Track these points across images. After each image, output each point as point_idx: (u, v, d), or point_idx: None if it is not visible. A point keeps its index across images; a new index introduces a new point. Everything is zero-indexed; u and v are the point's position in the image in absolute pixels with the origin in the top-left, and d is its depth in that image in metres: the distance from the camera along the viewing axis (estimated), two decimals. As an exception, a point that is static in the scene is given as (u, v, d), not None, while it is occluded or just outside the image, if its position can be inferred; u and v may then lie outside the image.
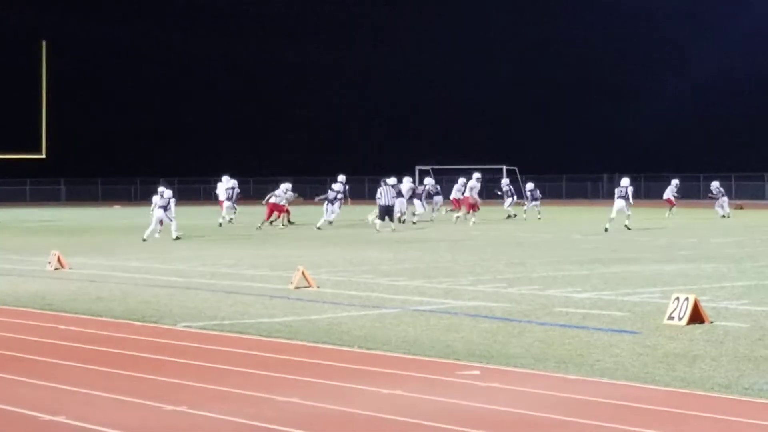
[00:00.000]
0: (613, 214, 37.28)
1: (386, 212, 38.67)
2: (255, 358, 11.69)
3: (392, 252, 27.91)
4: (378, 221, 38.51)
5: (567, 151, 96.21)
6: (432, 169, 70.61)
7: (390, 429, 8.51)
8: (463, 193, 46.14)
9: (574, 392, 9.72)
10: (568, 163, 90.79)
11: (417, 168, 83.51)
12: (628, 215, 37.55)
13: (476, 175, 45.84)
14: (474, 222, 42.74)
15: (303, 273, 18.92)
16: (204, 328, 14.09)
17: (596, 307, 15.67)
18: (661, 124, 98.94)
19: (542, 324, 14.05)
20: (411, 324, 14.25)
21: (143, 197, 74.64)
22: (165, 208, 34.17)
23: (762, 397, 9.44)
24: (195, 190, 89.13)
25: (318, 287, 18.61)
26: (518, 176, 65.00)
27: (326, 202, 42.02)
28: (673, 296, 14.21)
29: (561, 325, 13.91)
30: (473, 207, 44.32)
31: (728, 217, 47.98)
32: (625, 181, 38.75)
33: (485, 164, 69.90)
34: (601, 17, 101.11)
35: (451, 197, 47.59)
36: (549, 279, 20.00)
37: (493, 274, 21.12)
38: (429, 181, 49.58)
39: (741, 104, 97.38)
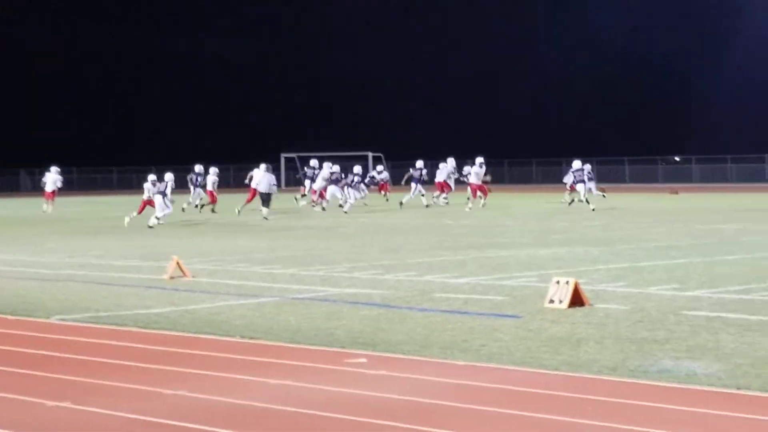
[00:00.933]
0: (582, 196, 39.49)
1: (266, 199, 38.95)
2: (136, 351, 11.41)
3: (265, 240, 27.68)
4: (264, 209, 38.50)
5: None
6: (298, 156, 70.53)
7: (283, 420, 8.35)
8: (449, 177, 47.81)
9: (463, 378, 9.66)
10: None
11: (282, 156, 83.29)
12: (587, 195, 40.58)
13: (479, 159, 46.10)
14: (483, 205, 44.19)
15: (177, 263, 18.60)
16: (79, 321, 13.74)
17: (475, 292, 15.66)
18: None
19: (423, 310, 13.99)
20: (291, 313, 14.07)
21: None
22: (163, 194, 34.97)
23: (648, 379, 9.49)
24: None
25: (193, 277, 18.33)
26: (383, 162, 65.12)
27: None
28: (554, 279, 14.28)
29: (442, 311, 13.86)
30: (482, 190, 45.50)
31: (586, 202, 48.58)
32: (578, 164, 42.29)
33: (354, 151, 69.94)
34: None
35: (436, 181, 48.64)
36: (425, 265, 19.98)
37: (369, 261, 21.03)
38: (379, 168, 51.08)
39: (594, 90, 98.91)
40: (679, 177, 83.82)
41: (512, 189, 73.07)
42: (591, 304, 13.83)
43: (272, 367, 10.36)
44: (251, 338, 12.05)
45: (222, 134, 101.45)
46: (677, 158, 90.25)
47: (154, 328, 12.94)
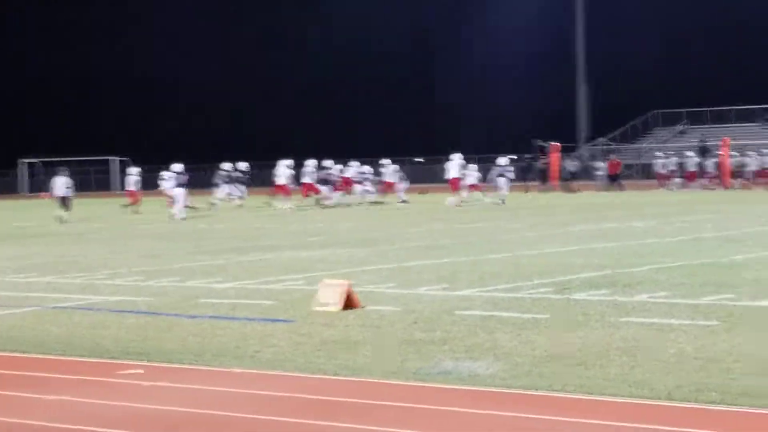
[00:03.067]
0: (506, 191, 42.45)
1: (61, 202, 39.77)
2: None
3: (14, 247, 26.61)
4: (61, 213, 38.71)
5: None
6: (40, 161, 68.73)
7: (60, 439, 7.86)
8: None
9: (242, 386, 9.35)
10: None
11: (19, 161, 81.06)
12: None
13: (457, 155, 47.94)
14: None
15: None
16: None
17: (242, 297, 15.32)
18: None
19: (191, 317, 13.57)
20: (54, 323, 13.44)
21: None
22: (184, 185, 39.22)
23: (430, 382, 9.37)
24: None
25: (-58, 288, 17.40)
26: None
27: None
28: (324, 282, 14.08)
29: (210, 317, 13.48)
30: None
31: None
32: (505, 160, 46.87)
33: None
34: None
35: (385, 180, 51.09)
36: (187, 270, 19.51)
37: (129, 267, 20.41)
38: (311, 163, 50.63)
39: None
40: (426, 177, 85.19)
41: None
42: (363, 307, 13.67)
43: (44, 381, 9.80)
44: (14, 351, 11.41)
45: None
46: (420, 159, 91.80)
47: None
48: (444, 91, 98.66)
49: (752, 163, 60.86)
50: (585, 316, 12.51)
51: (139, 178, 49.26)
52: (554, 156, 59.42)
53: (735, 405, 8.11)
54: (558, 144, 60.50)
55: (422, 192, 61.66)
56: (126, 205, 47.60)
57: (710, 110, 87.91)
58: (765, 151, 62.00)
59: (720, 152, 60.21)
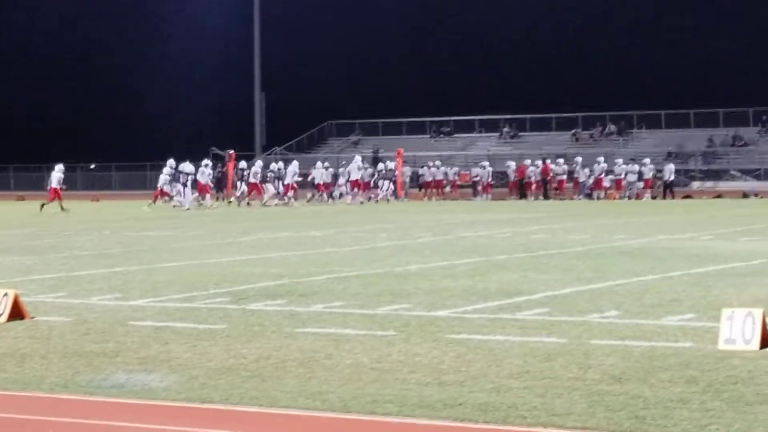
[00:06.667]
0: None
1: None
2: None
3: None
4: None
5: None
6: None
7: None
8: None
9: None
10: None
11: None
12: None
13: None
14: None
15: None
16: None
17: None
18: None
19: None
20: None
21: None
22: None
23: (101, 395, 9.01)
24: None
25: None
26: None
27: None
28: (-9, 291, 13.41)
29: None
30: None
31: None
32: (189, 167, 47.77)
33: None
34: None
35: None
36: None
37: None
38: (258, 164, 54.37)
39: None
40: (98, 184, 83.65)
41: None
42: (32, 317, 13.08)
43: None
44: None
45: None
46: (93, 165, 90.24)
47: None
48: (125, 99, 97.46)
49: (427, 174, 62.56)
50: (262, 326, 12.36)
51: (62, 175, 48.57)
52: (230, 164, 59.32)
53: (411, 416, 8.12)
54: (233, 152, 60.47)
55: (94, 199, 60.48)
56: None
57: (383, 122, 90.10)
58: (438, 163, 63.86)
59: (395, 163, 61.58)
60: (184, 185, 49.90)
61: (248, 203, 52.93)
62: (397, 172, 60.92)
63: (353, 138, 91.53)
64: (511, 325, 12.20)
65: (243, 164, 56.15)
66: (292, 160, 59.67)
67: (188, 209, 47.88)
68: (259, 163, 55.18)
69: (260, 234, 29.46)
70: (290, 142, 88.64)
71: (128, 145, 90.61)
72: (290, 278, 17.29)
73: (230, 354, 10.70)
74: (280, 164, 55.98)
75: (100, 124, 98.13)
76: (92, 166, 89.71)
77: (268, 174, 53.67)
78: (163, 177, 52.89)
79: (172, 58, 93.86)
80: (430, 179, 61.71)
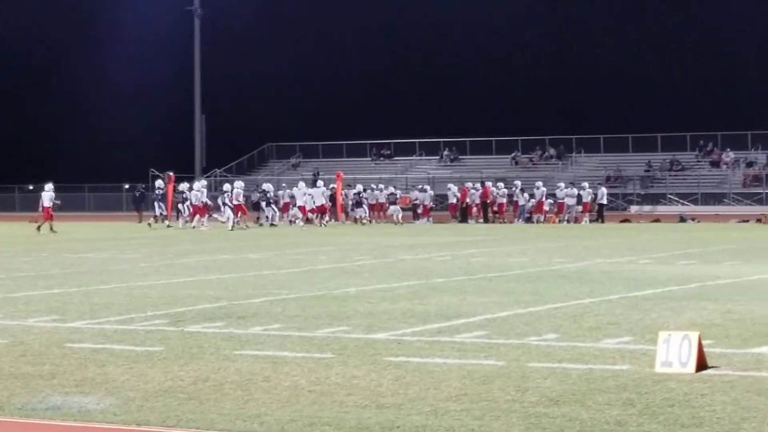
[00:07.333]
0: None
1: None
2: None
3: None
4: None
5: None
6: None
7: None
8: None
9: None
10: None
11: None
12: None
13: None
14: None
15: None
16: None
17: None
18: None
19: None
20: None
21: None
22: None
23: (37, 418, 8.94)
24: None
25: None
26: None
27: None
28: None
29: None
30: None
31: None
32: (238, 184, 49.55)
33: None
34: None
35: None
36: None
37: None
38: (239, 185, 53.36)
39: None
40: (35, 205, 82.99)
41: None
42: (-33, 339, 12.95)
43: None
44: None
45: None
46: (31, 186, 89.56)
47: None
48: (67, 119, 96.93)
49: (370, 197, 62.49)
50: (200, 348, 12.31)
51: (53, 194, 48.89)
52: (170, 186, 58.98)
53: (349, 438, 8.12)
54: (172, 174, 60.16)
55: (32, 221, 59.80)
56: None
57: (323, 144, 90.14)
58: (381, 186, 63.93)
59: (334, 186, 61.64)
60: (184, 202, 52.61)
61: (247, 226, 52.13)
62: (337, 195, 60.90)
63: (293, 160, 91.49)
64: (450, 347, 12.23)
65: (184, 186, 55.75)
66: (234, 181, 59.42)
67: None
68: (239, 184, 54.03)
69: (198, 256, 29.34)
70: (230, 164, 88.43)
71: (65, 165, 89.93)
72: (228, 300, 17.23)
73: (168, 376, 10.64)
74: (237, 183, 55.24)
75: (42, 143, 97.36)
76: (30, 188, 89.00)
77: (226, 195, 52.73)
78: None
79: (112, 80, 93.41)
80: (373, 202, 61.64)
